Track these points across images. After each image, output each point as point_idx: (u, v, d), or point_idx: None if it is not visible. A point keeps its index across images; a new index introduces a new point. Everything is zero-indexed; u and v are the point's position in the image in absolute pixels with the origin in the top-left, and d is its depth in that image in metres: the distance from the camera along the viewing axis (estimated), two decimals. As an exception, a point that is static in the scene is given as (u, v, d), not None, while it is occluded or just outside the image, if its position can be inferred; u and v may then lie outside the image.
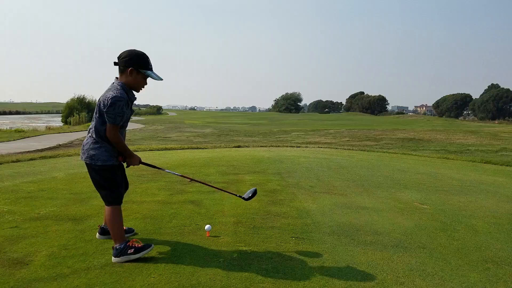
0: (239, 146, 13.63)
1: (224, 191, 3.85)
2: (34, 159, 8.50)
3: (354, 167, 7.97)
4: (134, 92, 3.07)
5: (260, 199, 4.80)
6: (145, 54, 3.00)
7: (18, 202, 4.35)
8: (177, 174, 3.58)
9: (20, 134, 23.58)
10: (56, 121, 43.80)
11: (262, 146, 13.97)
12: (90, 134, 3.00)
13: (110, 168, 2.97)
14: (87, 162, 2.97)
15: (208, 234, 3.40)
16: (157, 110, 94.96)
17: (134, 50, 2.98)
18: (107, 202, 3.01)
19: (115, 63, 3.00)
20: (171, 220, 3.80)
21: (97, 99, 2.98)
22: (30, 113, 73.81)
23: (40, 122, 44.45)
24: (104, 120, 2.88)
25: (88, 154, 2.96)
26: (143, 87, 3.08)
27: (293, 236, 3.47)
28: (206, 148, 12.70)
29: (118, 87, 2.90)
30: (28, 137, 21.75)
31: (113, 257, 2.86)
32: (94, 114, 2.96)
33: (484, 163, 11.45)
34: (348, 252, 3.16)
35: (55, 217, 3.80)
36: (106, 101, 2.83)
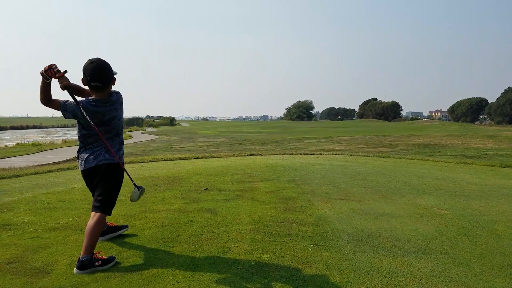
0: (252, 155, 13.62)
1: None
2: (52, 171, 8.64)
3: (370, 174, 7.88)
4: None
5: (276, 206, 4.77)
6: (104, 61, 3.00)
7: (38, 212, 4.43)
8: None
9: (37, 147, 24.12)
10: (72, 134, 44.61)
11: (275, 154, 13.93)
12: (90, 146, 3.02)
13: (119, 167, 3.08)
14: (105, 163, 2.98)
15: None
16: (170, 121, 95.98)
17: (99, 64, 2.91)
18: (103, 210, 2.98)
19: (98, 86, 2.92)
20: (188, 228, 3.81)
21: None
22: (46, 127, 75.35)
23: (57, 135, 45.35)
24: (90, 127, 2.93)
25: (103, 157, 2.99)
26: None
27: (311, 243, 3.43)
28: (219, 157, 12.73)
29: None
30: (45, 150, 22.20)
31: (75, 269, 2.76)
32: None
33: (504, 167, 11.19)
34: (368, 258, 3.11)
35: (75, 227, 3.84)
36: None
